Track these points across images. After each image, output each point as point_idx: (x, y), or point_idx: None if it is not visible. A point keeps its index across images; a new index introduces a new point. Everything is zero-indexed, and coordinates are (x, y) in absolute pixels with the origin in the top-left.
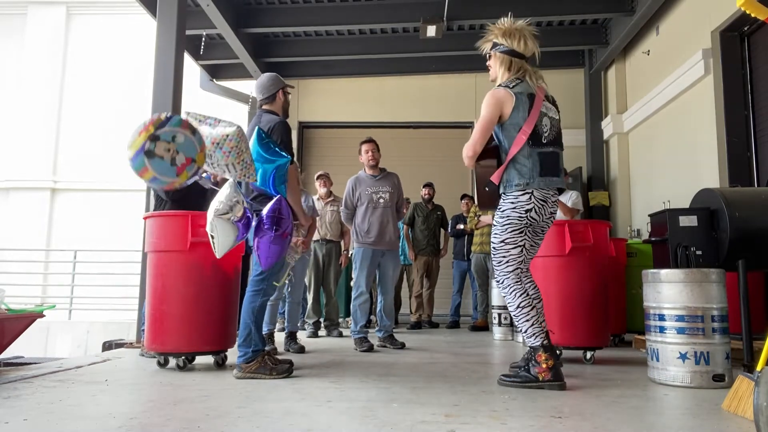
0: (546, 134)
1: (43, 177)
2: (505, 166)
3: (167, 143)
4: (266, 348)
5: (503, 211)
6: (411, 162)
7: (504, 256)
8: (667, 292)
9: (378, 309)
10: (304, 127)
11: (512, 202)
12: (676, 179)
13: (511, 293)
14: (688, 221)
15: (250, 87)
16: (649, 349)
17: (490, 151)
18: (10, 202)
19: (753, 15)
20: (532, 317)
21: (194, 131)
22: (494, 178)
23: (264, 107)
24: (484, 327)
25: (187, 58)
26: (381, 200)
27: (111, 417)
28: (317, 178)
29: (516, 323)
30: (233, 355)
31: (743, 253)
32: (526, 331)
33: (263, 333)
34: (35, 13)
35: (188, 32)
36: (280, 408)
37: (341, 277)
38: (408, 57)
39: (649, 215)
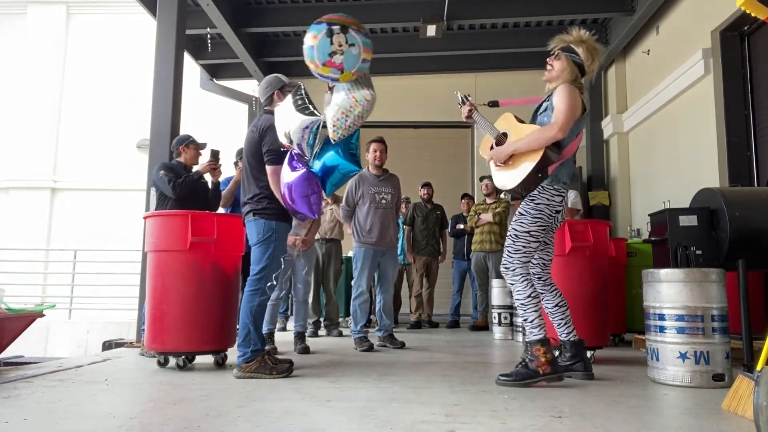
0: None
1: (43, 177)
2: (560, 162)
3: (345, 42)
4: (266, 348)
5: (537, 204)
6: (411, 162)
7: (524, 246)
8: (667, 291)
9: (377, 308)
10: None
11: (548, 200)
12: (676, 179)
13: (522, 282)
14: (688, 221)
15: (250, 87)
16: (649, 349)
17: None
18: (10, 202)
19: (753, 14)
20: (539, 309)
21: (367, 60)
22: (551, 169)
23: (265, 108)
24: (484, 327)
25: (187, 58)
26: (383, 201)
27: (111, 417)
28: None
29: (522, 313)
30: (233, 354)
31: (743, 253)
32: (531, 322)
33: (263, 333)
34: (35, 13)
35: (188, 32)
36: (280, 407)
37: (341, 277)
38: (408, 57)
39: (649, 215)
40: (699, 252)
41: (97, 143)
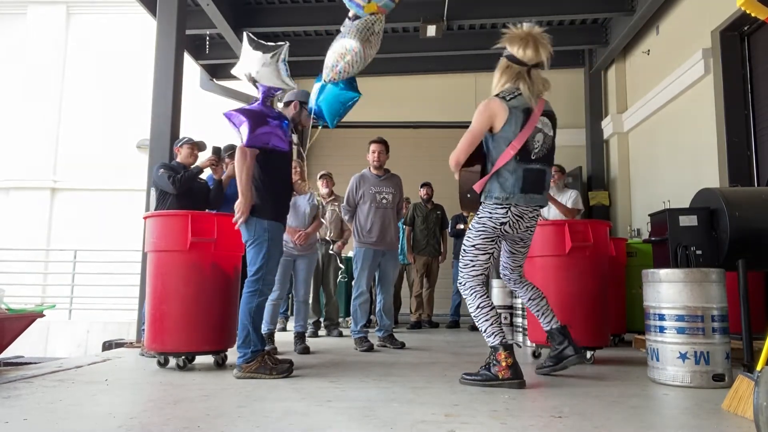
0: (536, 150)
1: (43, 177)
2: (489, 177)
3: None
4: (266, 348)
5: (480, 218)
6: (411, 162)
7: (472, 260)
8: (667, 291)
9: (378, 309)
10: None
11: (489, 213)
12: (676, 179)
13: (471, 294)
14: (688, 221)
15: (250, 87)
16: (648, 349)
17: (477, 157)
18: (10, 202)
19: (753, 15)
20: (491, 317)
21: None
22: (476, 187)
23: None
24: None
25: (187, 58)
26: (384, 200)
27: (111, 417)
28: (320, 178)
29: (476, 324)
30: (233, 354)
31: (743, 253)
32: (485, 331)
33: (263, 333)
34: (35, 13)
35: (188, 32)
36: (280, 408)
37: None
38: (408, 57)
39: (649, 215)
40: (699, 252)
41: (97, 143)
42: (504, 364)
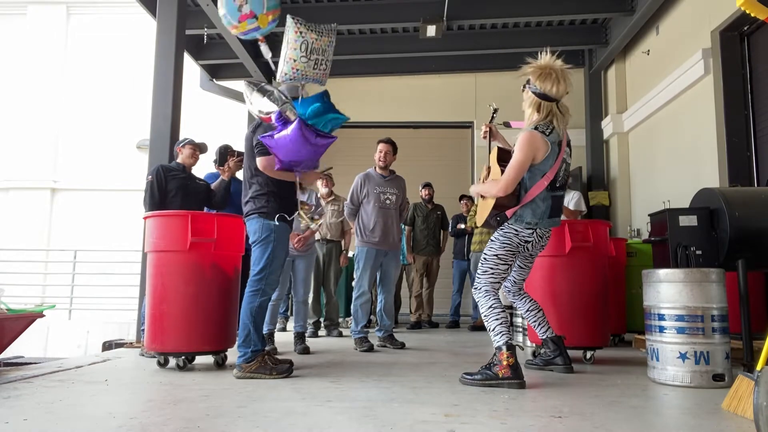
0: (560, 179)
1: (43, 177)
2: (523, 204)
3: None
4: (266, 348)
5: (506, 232)
6: (411, 162)
7: (491, 268)
8: (667, 291)
9: (378, 309)
10: None
11: (516, 231)
12: (676, 179)
13: (485, 297)
14: (688, 221)
15: None
16: (648, 349)
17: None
18: (10, 202)
19: (753, 15)
20: (501, 318)
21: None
22: (509, 213)
23: None
24: (483, 327)
25: (187, 58)
26: (388, 201)
27: (111, 417)
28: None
29: (486, 323)
30: (233, 354)
31: (743, 253)
32: (493, 329)
33: (263, 333)
34: (35, 13)
35: (188, 32)
36: (280, 408)
37: (341, 277)
38: (408, 57)
39: (649, 215)
40: (699, 252)
41: (97, 143)
42: (505, 363)
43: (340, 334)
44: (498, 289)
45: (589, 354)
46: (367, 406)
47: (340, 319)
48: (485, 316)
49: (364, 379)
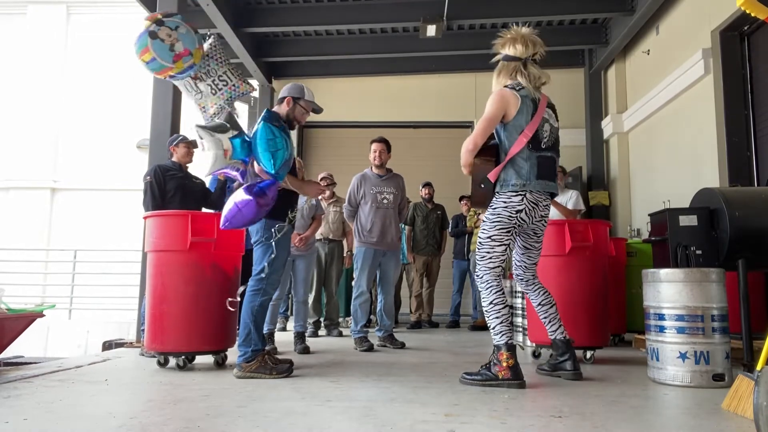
0: (546, 140)
1: (43, 177)
2: (504, 165)
3: (170, 30)
4: (266, 347)
5: (495, 209)
6: (411, 162)
7: (488, 252)
8: (667, 291)
9: (378, 309)
10: (303, 127)
11: (504, 202)
12: (676, 179)
13: (487, 288)
14: (688, 221)
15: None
16: (648, 349)
17: (488, 149)
18: (10, 202)
19: (753, 14)
20: (503, 315)
21: (196, 31)
22: (491, 175)
23: (273, 108)
24: (484, 326)
25: None
26: (385, 200)
27: (111, 417)
28: (320, 180)
29: (486, 318)
30: (233, 354)
31: (743, 253)
32: (494, 328)
33: (263, 333)
34: (35, 13)
35: None
36: (280, 407)
37: (342, 277)
38: (408, 57)
39: (649, 215)
40: (699, 252)
41: (97, 143)
42: (505, 364)
43: (340, 334)
44: (500, 275)
45: (589, 354)
46: (367, 406)
47: (340, 319)
48: (486, 311)
49: (364, 379)
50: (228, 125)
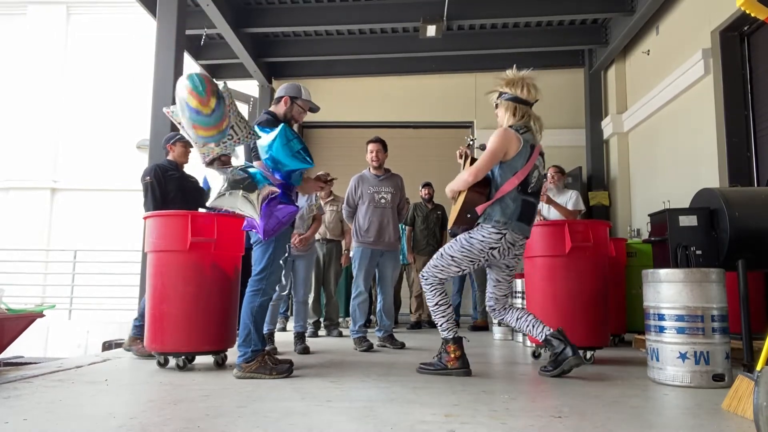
0: (533, 185)
1: (43, 177)
2: (493, 201)
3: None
4: (266, 348)
5: (471, 237)
6: (411, 162)
7: (444, 267)
8: (667, 291)
9: (378, 309)
10: (304, 127)
11: (483, 235)
12: (676, 179)
13: (432, 291)
14: (688, 221)
15: (250, 87)
16: (648, 349)
17: (482, 182)
18: (10, 202)
19: (753, 15)
20: (447, 314)
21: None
22: (479, 208)
23: (270, 108)
24: (483, 327)
25: (187, 58)
26: (382, 200)
27: (111, 417)
28: (316, 178)
29: (433, 316)
30: (233, 354)
31: (743, 253)
32: (441, 325)
33: (263, 333)
34: (35, 13)
35: (188, 32)
36: (280, 408)
37: (341, 277)
38: (408, 57)
39: (649, 215)
40: (699, 252)
41: (97, 143)
42: (453, 355)
43: (340, 334)
44: (444, 283)
45: (589, 354)
46: (367, 406)
47: (340, 319)
48: (434, 311)
49: (364, 379)
50: (244, 175)
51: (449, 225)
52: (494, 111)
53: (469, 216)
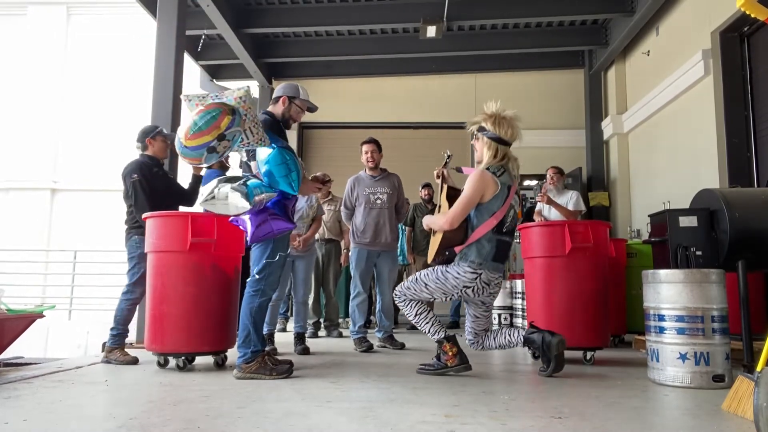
0: (508, 224)
1: (43, 177)
2: (469, 243)
3: (227, 142)
4: (266, 348)
5: (447, 272)
6: (411, 162)
7: (417, 292)
8: (667, 292)
9: (377, 309)
10: (304, 127)
11: (458, 273)
12: (676, 180)
13: (407, 306)
14: (688, 222)
15: (250, 87)
16: (649, 350)
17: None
18: (10, 202)
19: (753, 15)
20: (430, 319)
21: (243, 123)
22: (458, 249)
23: (268, 108)
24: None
25: (187, 58)
26: (378, 201)
27: (111, 417)
28: (313, 178)
29: (419, 328)
30: (233, 355)
31: (743, 254)
32: (428, 331)
33: (263, 333)
34: (35, 13)
35: (188, 32)
36: (280, 408)
37: (341, 277)
38: (408, 57)
39: (649, 215)
40: (699, 253)
41: (97, 143)
42: (450, 353)
43: (340, 335)
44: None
45: (589, 355)
46: (367, 407)
47: (340, 320)
48: (417, 322)
49: (364, 380)
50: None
51: (429, 258)
52: (471, 141)
53: (447, 253)
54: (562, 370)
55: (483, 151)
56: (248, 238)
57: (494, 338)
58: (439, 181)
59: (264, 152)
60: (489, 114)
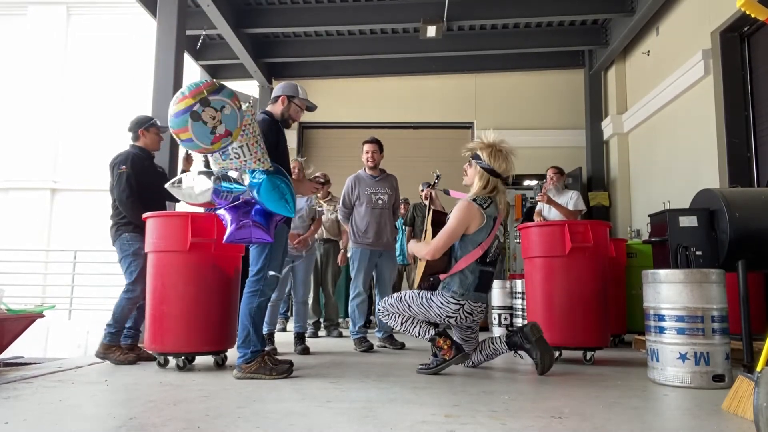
0: (491, 255)
1: (43, 177)
2: (453, 272)
3: (215, 111)
4: (266, 348)
5: (431, 298)
6: (411, 163)
7: (399, 311)
8: (667, 292)
9: (377, 310)
10: (304, 127)
11: (441, 303)
12: (676, 180)
13: (391, 318)
14: (688, 222)
15: (250, 87)
16: (648, 350)
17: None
18: (10, 202)
19: (753, 15)
20: (417, 323)
21: (240, 106)
22: (442, 277)
23: (267, 108)
24: (483, 327)
25: (187, 58)
26: (380, 201)
27: (111, 417)
28: (313, 179)
29: (409, 334)
30: (233, 355)
31: (743, 254)
32: (419, 334)
33: (263, 333)
34: (35, 13)
35: (188, 32)
36: (280, 408)
37: (341, 277)
38: (408, 57)
39: (649, 215)
40: (699, 253)
41: (97, 143)
42: (446, 347)
43: (340, 335)
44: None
45: (589, 355)
46: (367, 407)
47: (340, 320)
48: (405, 330)
49: (364, 380)
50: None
51: (415, 284)
52: (463, 166)
53: (432, 280)
54: (550, 351)
55: (474, 179)
56: (225, 237)
57: (480, 351)
58: (426, 202)
59: (255, 178)
60: (486, 143)
